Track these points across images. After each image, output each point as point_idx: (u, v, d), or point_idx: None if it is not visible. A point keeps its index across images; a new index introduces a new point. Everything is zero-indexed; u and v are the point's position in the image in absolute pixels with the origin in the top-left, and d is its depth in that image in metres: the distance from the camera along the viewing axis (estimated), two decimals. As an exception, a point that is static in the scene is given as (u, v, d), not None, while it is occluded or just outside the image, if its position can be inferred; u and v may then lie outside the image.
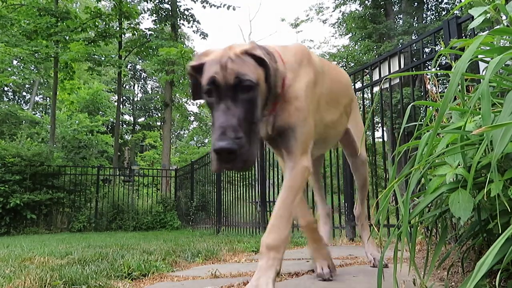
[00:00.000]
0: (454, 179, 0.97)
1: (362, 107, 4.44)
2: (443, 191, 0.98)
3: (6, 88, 27.90)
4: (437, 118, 0.85)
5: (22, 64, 14.50)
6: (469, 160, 0.95)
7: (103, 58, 14.25)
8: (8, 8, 12.89)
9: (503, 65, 0.93)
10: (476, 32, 2.67)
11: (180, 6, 15.88)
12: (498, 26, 1.16)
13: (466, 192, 0.88)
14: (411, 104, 1.11)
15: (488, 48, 1.10)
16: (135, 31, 14.45)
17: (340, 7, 20.35)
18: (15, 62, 15.02)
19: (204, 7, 15.69)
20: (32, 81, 26.95)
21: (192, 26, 15.85)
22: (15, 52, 12.79)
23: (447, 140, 0.97)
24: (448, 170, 0.95)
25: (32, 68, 16.29)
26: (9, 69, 15.97)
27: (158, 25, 15.11)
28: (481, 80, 1.21)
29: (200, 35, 16.11)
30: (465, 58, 0.80)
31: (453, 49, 1.33)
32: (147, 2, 15.94)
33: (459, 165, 0.95)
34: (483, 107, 0.77)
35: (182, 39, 17.58)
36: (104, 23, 14.04)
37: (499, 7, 1.07)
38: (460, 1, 16.40)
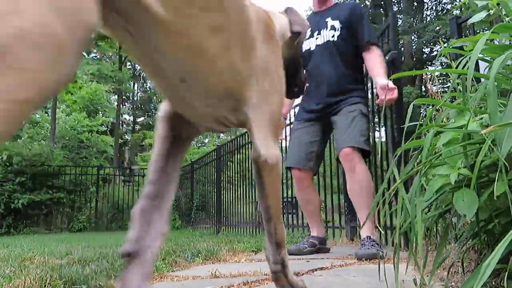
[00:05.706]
0: (456, 179, 0.97)
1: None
2: (445, 190, 0.98)
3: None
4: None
5: None
6: (470, 160, 0.94)
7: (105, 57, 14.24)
8: None
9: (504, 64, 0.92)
10: (476, 32, 2.67)
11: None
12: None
13: (470, 190, 0.89)
14: (412, 102, 1.10)
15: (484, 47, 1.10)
16: None
17: (340, 7, 20.31)
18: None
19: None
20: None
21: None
22: None
23: (447, 139, 0.97)
24: (449, 171, 0.95)
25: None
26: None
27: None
28: (480, 79, 1.20)
29: None
30: (473, 56, 0.80)
31: (454, 48, 1.32)
32: None
33: (461, 165, 0.94)
34: (489, 106, 0.77)
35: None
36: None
37: (501, 4, 1.06)
38: (460, 1, 16.39)
